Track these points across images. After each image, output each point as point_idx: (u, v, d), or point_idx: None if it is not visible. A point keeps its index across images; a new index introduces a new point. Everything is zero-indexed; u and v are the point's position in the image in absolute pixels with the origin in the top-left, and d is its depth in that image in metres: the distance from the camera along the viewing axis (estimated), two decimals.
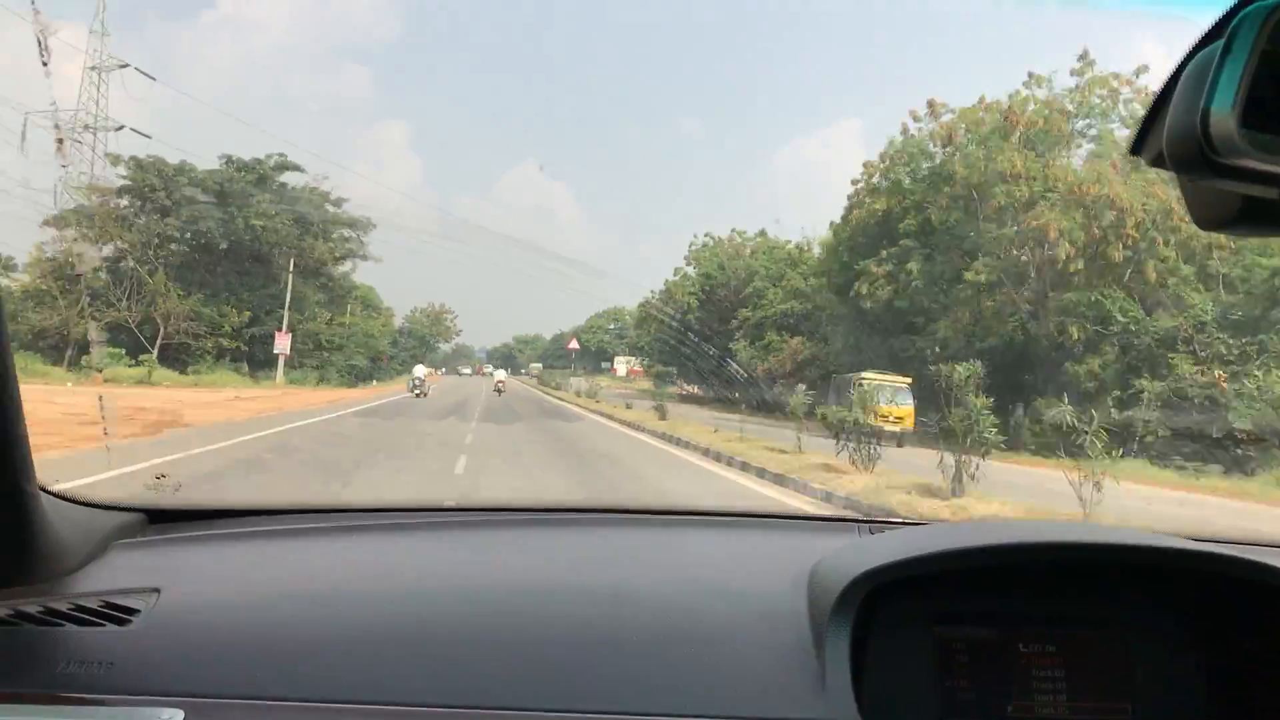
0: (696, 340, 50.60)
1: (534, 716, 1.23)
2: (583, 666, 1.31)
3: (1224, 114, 0.70)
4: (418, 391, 38.22)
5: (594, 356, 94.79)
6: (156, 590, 1.47)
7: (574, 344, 66.91)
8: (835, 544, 1.61)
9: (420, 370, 41.86)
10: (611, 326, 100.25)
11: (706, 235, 54.72)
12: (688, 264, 54.50)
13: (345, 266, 52.57)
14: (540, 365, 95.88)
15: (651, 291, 58.11)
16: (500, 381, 50.79)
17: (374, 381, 53.13)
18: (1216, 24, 0.75)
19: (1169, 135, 0.74)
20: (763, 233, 53.60)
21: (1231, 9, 0.74)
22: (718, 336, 49.11)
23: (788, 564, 1.51)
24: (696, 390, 50.10)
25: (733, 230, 54.04)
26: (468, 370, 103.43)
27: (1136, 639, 1.42)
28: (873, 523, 1.89)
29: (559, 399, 45.27)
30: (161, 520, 1.83)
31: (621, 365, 64.53)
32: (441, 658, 1.33)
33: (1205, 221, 0.82)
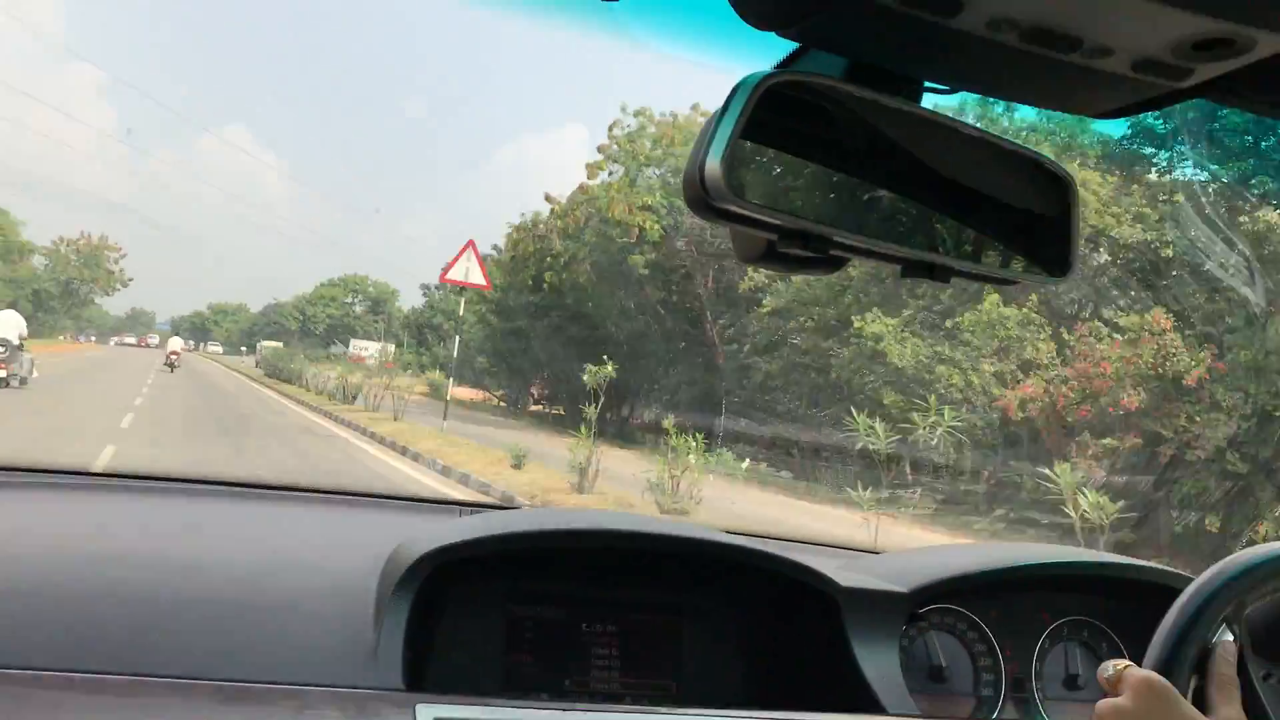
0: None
1: (86, 679, 1.22)
2: (142, 632, 1.30)
3: (715, 166, 0.83)
4: None
5: (321, 338, 73.96)
6: None
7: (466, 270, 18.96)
8: (430, 525, 1.68)
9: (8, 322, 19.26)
10: (349, 299, 79.77)
11: (639, 113, 26.84)
12: (610, 162, 27.11)
13: None
14: (279, 344, 61.38)
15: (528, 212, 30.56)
16: (174, 353, 34.60)
17: None
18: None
19: (682, 182, 0.86)
20: None
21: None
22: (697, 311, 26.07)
23: (376, 542, 1.51)
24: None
25: (694, 107, 26.01)
26: (131, 339, 79.16)
27: (687, 623, 1.54)
28: (472, 505, 1.98)
29: None
30: None
31: (367, 350, 44.54)
32: None
33: (743, 256, 0.97)
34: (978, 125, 0.96)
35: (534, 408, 32.64)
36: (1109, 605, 1.67)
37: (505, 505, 2.18)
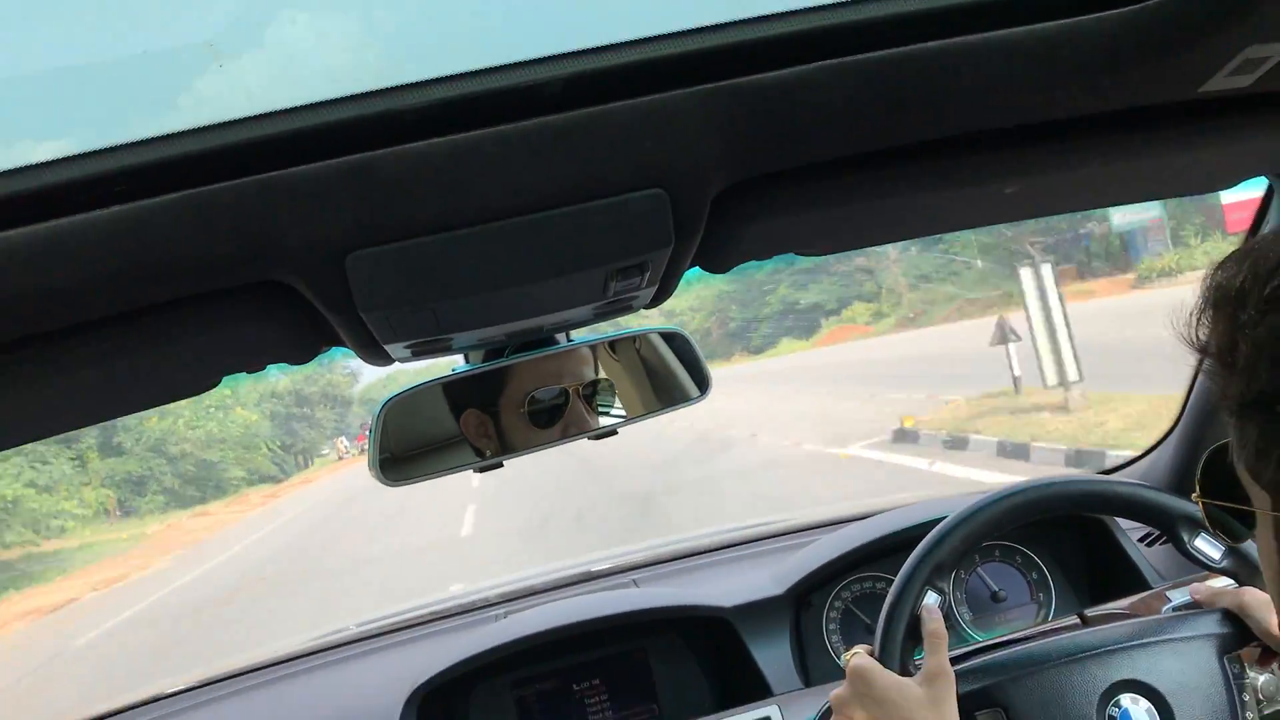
0: None
1: None
2: None
3: (376, 473, 1.40)
4: None
5: None
6: None
7: None
8: (460, 640, 1.98)
9: None
10: None
11: None
12: None
13: None
14: None
15: None
16: None
17: None
18: None
19: None
20: None
21: None
22: None
23: (410, 677, 1.84)
24: None
25: None
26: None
27: (653, 658, 1.91)
28: (512, 599, 2.33)
29: None
30: None
31: None
32: None
33: None
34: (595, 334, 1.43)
35: None
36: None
37: (546, 588, 2.37)
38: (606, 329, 1.45)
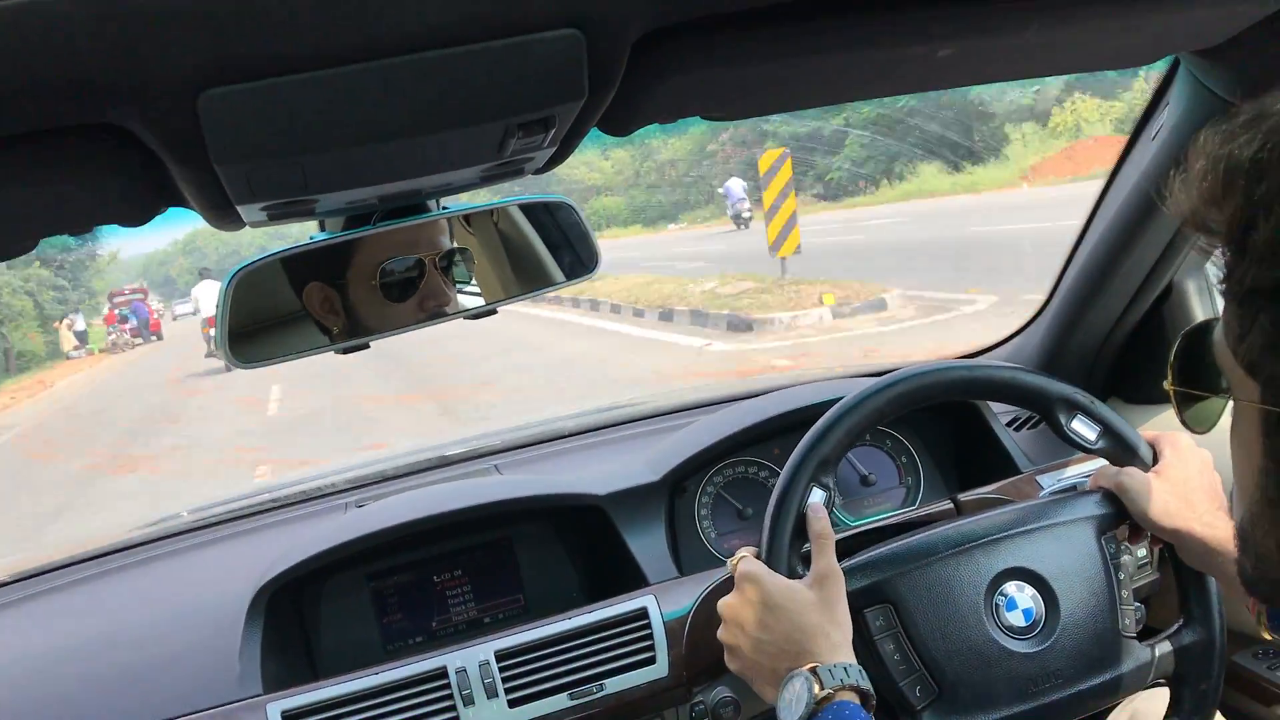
0: None
1: None
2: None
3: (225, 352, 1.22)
4: None
5: None
6: None
7: None
8: (309, 531, 1.84)
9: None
10: None
11: None
12: None
13: None
14: None
15: None
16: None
17: None
18: None
19: None
20: None
21: None
22: None
23: (256, 569, 1.70)
24: None
25: None
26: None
27: (519, 547, 1.84)
28: (364, 486, 2.18)
29: None
30: None
31: None
32: None
33: None
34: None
35: None
36: None
37: (403, 474, 2.21)
38: (482, 197, 1.33)
